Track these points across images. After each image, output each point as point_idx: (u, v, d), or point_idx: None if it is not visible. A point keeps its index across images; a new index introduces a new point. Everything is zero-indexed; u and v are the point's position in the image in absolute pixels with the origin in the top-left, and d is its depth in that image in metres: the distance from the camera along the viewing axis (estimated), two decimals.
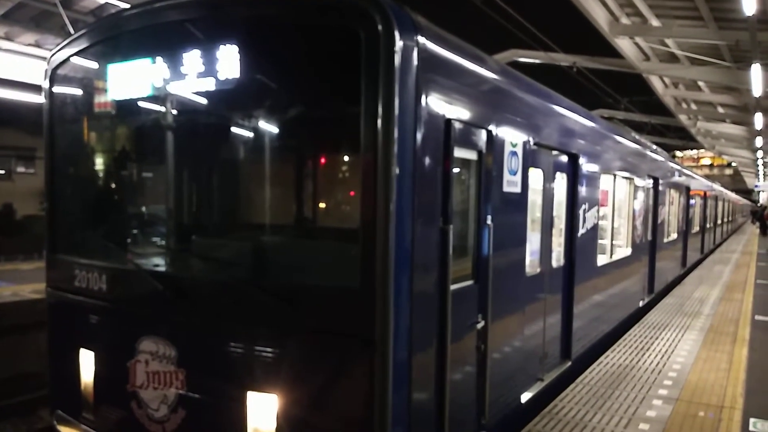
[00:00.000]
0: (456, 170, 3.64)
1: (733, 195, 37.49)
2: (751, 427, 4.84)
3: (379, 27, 2.96)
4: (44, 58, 4.60)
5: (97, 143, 4.68)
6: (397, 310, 3.02)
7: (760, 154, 38.14)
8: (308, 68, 3.42)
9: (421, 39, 3.17)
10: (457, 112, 3.57)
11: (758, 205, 52.18)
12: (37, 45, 13.37)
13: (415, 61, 3.11)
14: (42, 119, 4.51)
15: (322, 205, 4.12)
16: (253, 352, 3.38)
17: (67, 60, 4.35)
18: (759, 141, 30.71)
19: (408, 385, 3.16)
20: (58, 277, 4.39)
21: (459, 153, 3.64)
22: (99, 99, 4.25)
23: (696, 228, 16.87)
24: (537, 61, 20.29)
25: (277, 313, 3.27)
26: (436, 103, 3.36)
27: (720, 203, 24.58)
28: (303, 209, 4.08)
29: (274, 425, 3.23)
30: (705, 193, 18.58)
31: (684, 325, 8.46)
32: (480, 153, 3.95)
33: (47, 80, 4.46)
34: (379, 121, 2.95)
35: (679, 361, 6.55)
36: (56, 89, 4.46)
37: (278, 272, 3.63)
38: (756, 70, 15.06)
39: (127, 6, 4.30)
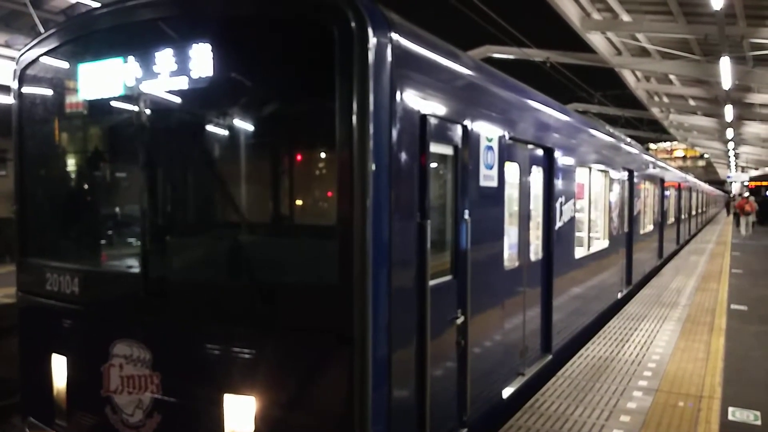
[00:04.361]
0: (432, 165, 3.65)
1: (706, 186, 38.33)
2: (729, 416, 4.91)
3: (353, 24, 2.95)
4: (14, 59, 4.48)
5: (69, 144, 4.59)
6: (375, 306, 3.01)
7: (731, 145, 39.15)
8: (282, 66, 3.39)
9: (395, 36, 3.18)
10: (432, 107, 3.58)
11: (731, 195, 53.50)
12: (7, 45, 13.02)
13: (389, 58, 3.11)
14: (12, 120, 4.40)
15: (298, 202, 4.10)
16: (230, 353, 3.35)
17: (36, 60, 4.26)
18: (729, 132, 31.54)
19: (388, 381, 3.15)
20: (30, 280, 4.29)
21: (435, 148, 3.66)
22: (70, 99, 4.16)
23: (671, 219, 17.21)
24: (511, 56, 20.55)
25: (255, 312, 3.24)
26: (411, 99, 3.37)
27: (694, 194, 25.13)
28: (280, 207, 4.05)
29: (253, 427, 3.20)
30: (679, 185, 18.96)
31: (662, 315, 8.61)
32: (456, 148, 3.97)
33: (16, 81, 4.36)
34: (355, 118, 2.95)
35: (658, 352, 6.65)
36: (26, 90, 4.36)
37: (256, 271, 3.59)
38: (725, 63, 15.46)
39: (98, 5, 4.21)
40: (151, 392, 3.51)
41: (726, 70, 16.02)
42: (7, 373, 7.41)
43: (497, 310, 4.83)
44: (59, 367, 4.02)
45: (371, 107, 2.96)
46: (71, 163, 4.59)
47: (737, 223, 27.51)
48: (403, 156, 3.28)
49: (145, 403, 3.54)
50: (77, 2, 11.59)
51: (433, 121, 3.57)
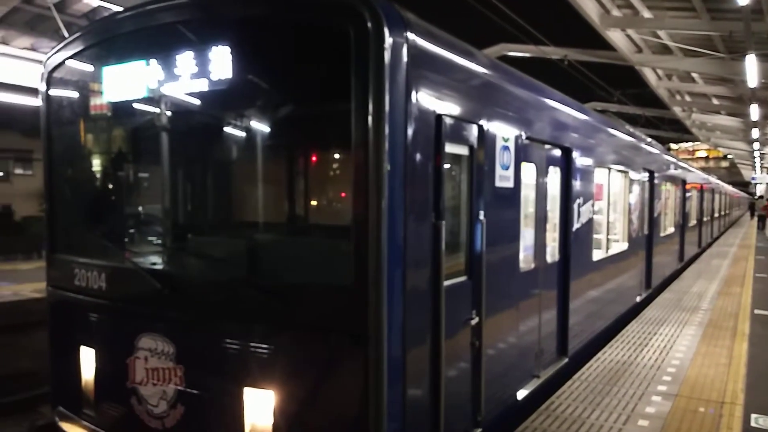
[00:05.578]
0: (447, 166, 3.66)
1: (729, 187, 37.54)
2: (752, 423, 4.81)
3: (369, 24, 2.98)
4: (39, 62, 4.62)
5: (94, 144, 4.72)
6: (390, 306, 3.04)
7: (756, 145, 38.18)
8: (299, 67, 3.44)
9: (411, 35, 3.19)
10: (447, 107, 3.59)
11: (756, 197, 52.18)
12: (33, 48, 13.39)
13: (405, 58, 3.13)
14: (38, 122, 4.55)
15: (314, 202, 4.15)
16: (249, 349, 3.41)
17: (62, 63, 4.38)
18: (755, 132, 30.74)
19: (402, 381, 3.18)
20: (59, 276, 4.43)
21: (450, 148, 3.66)
22: (95, 101, 4.29)
23: (693, 221, 16.89)
24: (527, 54, 20.29)
25: (272, 310, 3.30)
26: (427, 99, 3.38)
27: (717, 196, 24.62)
28: (296, 207, 4.10)
29: (271, 421, 3.26)
30: (701, 186, 18.60)
31: (682, 320, 8.46)
32: (471, 148, 3.96)
33: (44, 83, 4.50)
34: (370, 118, 2.97)
35: (678, 357, 6.54)
36: (53, 92, 4.49)
37: (272, 270, 3.65)
38: (751, 60, 15.06)
39: (119, 9, 4.32)
40: (174, 384, 3.61)
41: (752, 68, 15.62)
42: (36, 366, 7.66)
43: (512, 312, 4.81)
44: (87, 359, 4.15)
45: (387, 107, 2.98)
46: (97, 163, 4.73)
47: (761, 226, 26.86)
48: (418, 156, 3.29)
49: (168, 394, 3.64)
50: (99, 6, 11.85)
51: (448, 121, 3.57)
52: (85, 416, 4.18)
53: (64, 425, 4.35)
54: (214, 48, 3.46)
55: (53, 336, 4.54)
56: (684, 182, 14.52)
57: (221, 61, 3.44)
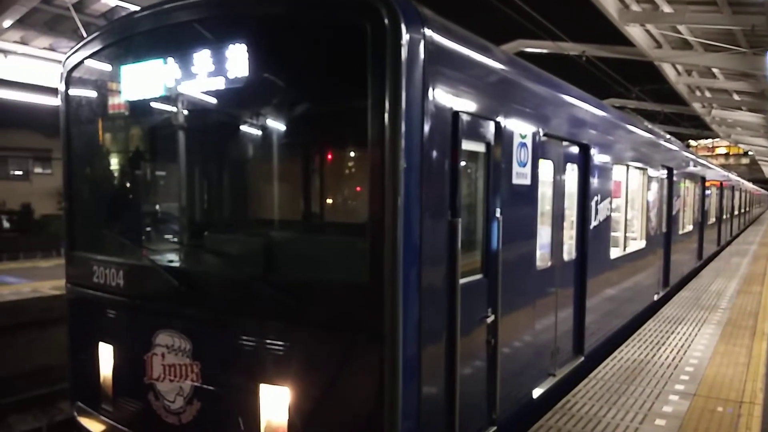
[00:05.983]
0: (464, 163, 3.63)
1: (750, 185, 36.85)
2: None
3: (386, 21, 2.96)
4: (58, 61, 4.68)
5: (113, 143, 4.78)
6: (405, 304, 3.03)
7: None
8: (316, 64, 3.44)
9: (428, 31, 3.17)
10: (464, 104, 3.56)
11: None
12: (51, 48, 13.60)
13: (422, 54, 3.11)
14: (58, 121, 4.62)
15: (330, 200, 4.15)
16: (265, 346, 3.43)
17: (81, 63, 4.44)
18: None
19: (418, 379, 3.17)
20: (77, 273, 4.51)
21: (467, 145, 3.64)
22: (113, 100, 4.34)
23: (712, 219, 16.62)
24: (545, 50, 20.08)
25: (288, 308, 3.31)
26: (444, 95, 3.36)
27: (736, 193, 24.19)
28: (312, 205, 4.12)
29: (286, 417, 3.28)
30: (721, 183, 18.29)
31: (700, 318, 8.34)
32: (488, 145, 3.94)
33: (63, 83, 4.56)
34: (387, 115, 2.96)
35: (696, 356, 6.46)
36: (71, 91, 4.55)
37: (288, 268, 3.66)
38: None
39: (136, 8, 4.36)
40: (191, 380, 3.65)
41: None
42: (54, 361, 7.81)
43: (528, 310, 4.78)
44: (105, 355, 4.21)
45: (403, 104, 2.97)
46: (115, 162, 4.79)
47: None
48: (435, 154, 3.28)
49: (185, 390, 3.68)
50: (116, 5, 11.98)
51: (465, 117, 3.55)
52: (103, 411, 4.24)
53: (82, 420, 4.42)
54: (230, 46, 3.47)
55: (72, 332, 4.62)
56: (703, 179, 14.29)
57: (237, 60, 3.45)
